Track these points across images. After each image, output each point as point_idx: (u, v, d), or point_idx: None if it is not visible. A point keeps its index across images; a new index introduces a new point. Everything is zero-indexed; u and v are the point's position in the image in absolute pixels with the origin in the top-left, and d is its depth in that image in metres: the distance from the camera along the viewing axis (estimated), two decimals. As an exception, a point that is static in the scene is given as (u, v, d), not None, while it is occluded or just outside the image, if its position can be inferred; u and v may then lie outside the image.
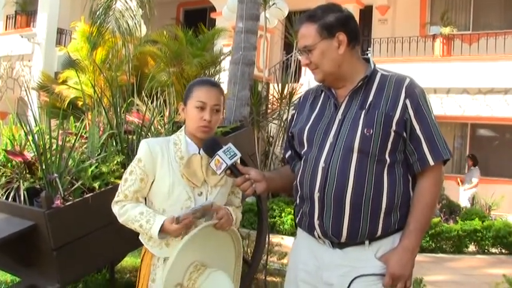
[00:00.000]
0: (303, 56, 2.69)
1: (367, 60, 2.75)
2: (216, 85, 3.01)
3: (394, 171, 2.58)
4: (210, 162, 2.77)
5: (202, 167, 2.88)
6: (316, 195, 2.61)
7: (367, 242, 2.58)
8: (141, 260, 3.02)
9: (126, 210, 2.86)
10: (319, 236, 2.66)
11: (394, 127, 2.54)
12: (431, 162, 2.57)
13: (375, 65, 2.72)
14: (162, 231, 2.77)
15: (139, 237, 2.99)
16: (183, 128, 3.00)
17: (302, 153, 2.76)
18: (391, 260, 2.53)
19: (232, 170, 2.73)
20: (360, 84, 2.64)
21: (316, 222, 2.63)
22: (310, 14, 2.69)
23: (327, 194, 2.57)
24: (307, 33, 2.65)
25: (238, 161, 2.79)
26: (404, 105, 2.56)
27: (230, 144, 2.78)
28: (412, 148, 2.59)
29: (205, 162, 2.88)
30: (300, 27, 2.70)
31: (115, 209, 2.91)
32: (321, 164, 2.60)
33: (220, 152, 2.73)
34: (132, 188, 2.87)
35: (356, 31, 2.69)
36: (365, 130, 2.54)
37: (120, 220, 2.89)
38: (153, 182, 2.89)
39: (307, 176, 2.66)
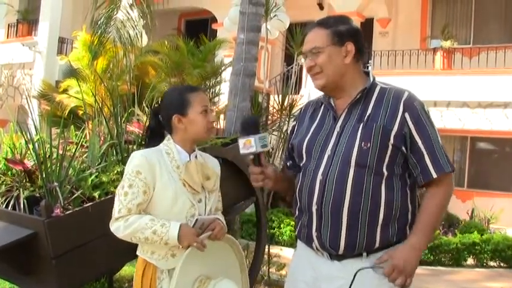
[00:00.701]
0: (308, 59, 2.70)
1: (368, 74, 2.77)
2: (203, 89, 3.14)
3: (392, 184, 2.58)
4: (240, 138, 2.70)
5: (198, 173, 2.93)
6: (314, 207, 2.62)
7: (364, 254, 2.59)
8: (142, 275, 2.95)
9: (132, 222, 2.80)
10: (317, 248, 2.67)
11: (392, 140, 2.55)
12: (434, 175, 2.58)
13: (374, 78, 2.73)
14: (180, 233, 2.76)
15: (139, 252, 2.97)
16: (169, 137, 3.02)
17: (301, 165, 2.77)
18: (396, 255, 2.53)
19: (256, 158, 2.70)
20: (358, 96, 2.66)
21: (314, 234, 2.64)
22: (321, 21, 2.74)
23: (324, 207, 2.59)
24: (318, 36, 2.68)
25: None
26: (403, 119, 2.58)
27: (266, 134, 2.74)
28: (414, 161, 2.60)
29: (199, 168, 2.94)
30: (310, 32, 2.73)
31: (117, 224, 2.83)
32: (319, 176, 2.62)
33: (256, 136, 2.66)
34: (136, 201, 2.83)
35: (363, 45, 2.73)
36: (362, 143, 2.55)
37: (125, 233, 2.81)
38: (152, 194, 2.88)
39: (306, 189, 2.67)
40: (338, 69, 2.67)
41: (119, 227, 2.82)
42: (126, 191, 2.84)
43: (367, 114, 2.62)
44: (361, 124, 2.60)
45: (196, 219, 2.83)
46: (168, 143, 2.99)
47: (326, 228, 2.60)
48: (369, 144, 2.55)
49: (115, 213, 2.85)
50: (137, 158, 2.88)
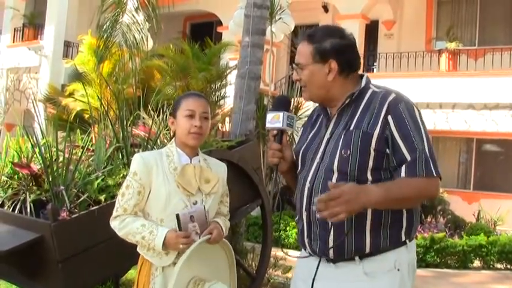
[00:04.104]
0: (295, 71, 2.72)
1: (362, 77, 2.70)
2: (202, 96, 3.19)
3: None
4: (269, 112, 2.72)
5: (195, 176, 3.01)
6: (304, 214, 2.63)
7: (357, 259, 2.56)
8: (139, 270, 3.07)
9: (126, 224, 2.94)
10: (310, 254, 2.68)
11: (373, 145, 2.48)
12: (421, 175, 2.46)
13: (367, 82, 2.67)
14: (165, 242, 2.87)
15: (138, 248, 3.06)
16: (173, 140, 3.13)
17: (297, 173, 2.77)
18: (346, 187, 2.32)
19: (278, 135, 2.72)
20: (347, 101, 2.61)
21: (306, 240, 2.66)
22: (310, 33, 2.69)
23: (312, 213, 2.59)
24: (303, 51, 2.66)
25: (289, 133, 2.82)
26: (385, 122, 2.49)
27: (294, 116, 2.77)
28: (395, 165, 2.50)
29: (198, 171, 3.02)
30: (299, 43, 2.71)
31: (115, 223, 2.99)
32: (307, 184, 2.63)
33: (285, 113, 2.68)
34: (131, 201, 2.96)
35: (351, 60, 2.65)
36: (342, 151, 2.51)
37: (121, 233, 2.97)
38: (149, 194, 2.99)
39: (298, 196, 2.70)
40: (321, 86, 2.64)
41: (115, 227, 2.99)
42: (123, 192, 2.99)
43: (354, 119, 2.57)
44: (344, 131, 2.56)
45: (178, 217, 2.88)
46: (170, 146, 3.10)
47: (315, 234, 2.61)
48: (348, 152, 2.50)
49: (114, 212, 3.01)
50: (136, 160, 3.02)
